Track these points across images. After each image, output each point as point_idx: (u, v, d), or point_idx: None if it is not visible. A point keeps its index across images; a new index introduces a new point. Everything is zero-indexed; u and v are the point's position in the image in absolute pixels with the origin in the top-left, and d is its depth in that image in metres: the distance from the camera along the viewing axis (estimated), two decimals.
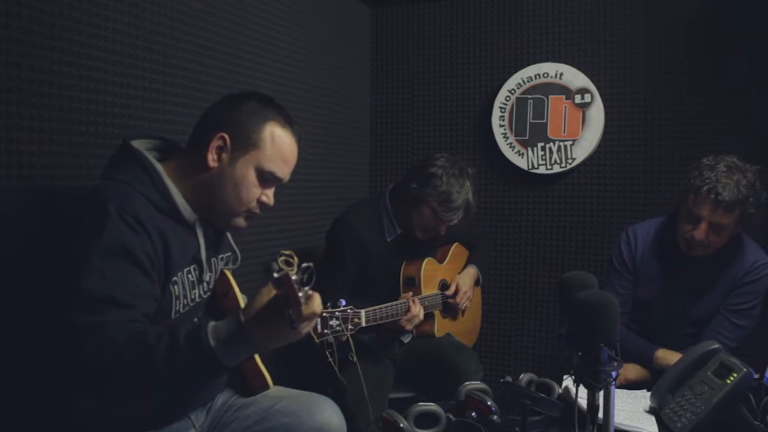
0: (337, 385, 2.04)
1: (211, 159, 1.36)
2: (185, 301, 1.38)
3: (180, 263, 1.36)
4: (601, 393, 1.22)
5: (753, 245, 2.08)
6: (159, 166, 1.35)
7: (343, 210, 2.39)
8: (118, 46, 1.73)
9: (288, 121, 1.43)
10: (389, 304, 2.08)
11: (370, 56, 3.34)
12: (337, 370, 1.79)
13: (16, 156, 1.46)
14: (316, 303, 1.16)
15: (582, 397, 1.28)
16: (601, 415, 1.23)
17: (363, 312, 1.94)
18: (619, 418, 1.57)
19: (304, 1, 2.65)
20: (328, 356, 1.80)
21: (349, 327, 1.86)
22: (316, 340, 1.81)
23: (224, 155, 1.36)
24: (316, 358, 1.90)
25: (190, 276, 1.39)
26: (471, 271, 2.49)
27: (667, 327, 2.06)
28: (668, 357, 1.97)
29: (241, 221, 1.44)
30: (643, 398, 1.74)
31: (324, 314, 1.83)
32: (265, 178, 1.40)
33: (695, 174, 1.94)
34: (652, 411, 1.66)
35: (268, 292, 1.13)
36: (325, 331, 1.82)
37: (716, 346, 1.65)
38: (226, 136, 1.36)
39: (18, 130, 1.46)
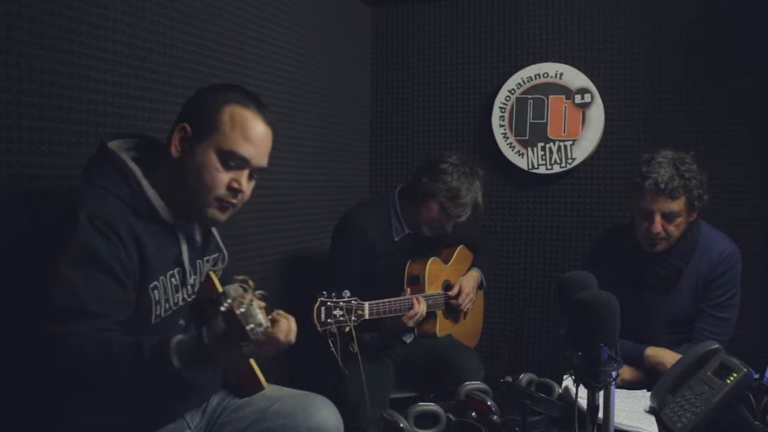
0: (337, 377, 2.04)
1: (174, 150, 1.34)
2: (167, 305, 1.36)
3: (160, 267, 1.33)
4: (601, 393, 1.22)
5: (715, 234, 2.09)
6: (135, 167, 1.33)
7: (350, 208, 2.38)
8: (118, 46, 1.73)
9: (250, 99, 1.38)
10: (393, 299, 2.08)
11: (370, 56, 3.33)
12: (339, 359, 1.78)
13: (16, 156, 1.46)
14: (281, 328, 1.15)
15: (582, 397, 1.28)
16: (601, 415, 1.24)
17: (367, 304, 1.94)
18: (619, 418, 1.57)
19: (304, 1, 2.65)
20: (330, 345, 1.79)
21: (353, 318, 1.86)
22: (319, 329, 1.80)
23: (187, 145, 1.35)
24: (317, 350, 1.89)
25: (173, 280, 1.37)
26: (474, 274, 2.49)
27: (645, 332, 2.05)
28: (659, 354, 1.99)
29: (215, 212, 1.37)
30: (643, 398, 1.74)
31: (328, 303, 1.83)
32: (228, 159, 1.34)
33: (636, 173, 2.01)
34: (652, 411, 1.66)
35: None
36: (329, 320, 1.82)
37: (716, 346, 1.65)
38: (187, 126, 1.34)
39: (17, 130, 1.46)
